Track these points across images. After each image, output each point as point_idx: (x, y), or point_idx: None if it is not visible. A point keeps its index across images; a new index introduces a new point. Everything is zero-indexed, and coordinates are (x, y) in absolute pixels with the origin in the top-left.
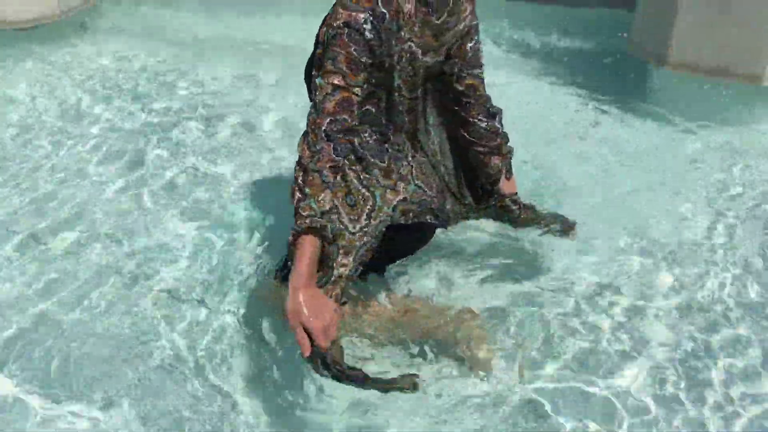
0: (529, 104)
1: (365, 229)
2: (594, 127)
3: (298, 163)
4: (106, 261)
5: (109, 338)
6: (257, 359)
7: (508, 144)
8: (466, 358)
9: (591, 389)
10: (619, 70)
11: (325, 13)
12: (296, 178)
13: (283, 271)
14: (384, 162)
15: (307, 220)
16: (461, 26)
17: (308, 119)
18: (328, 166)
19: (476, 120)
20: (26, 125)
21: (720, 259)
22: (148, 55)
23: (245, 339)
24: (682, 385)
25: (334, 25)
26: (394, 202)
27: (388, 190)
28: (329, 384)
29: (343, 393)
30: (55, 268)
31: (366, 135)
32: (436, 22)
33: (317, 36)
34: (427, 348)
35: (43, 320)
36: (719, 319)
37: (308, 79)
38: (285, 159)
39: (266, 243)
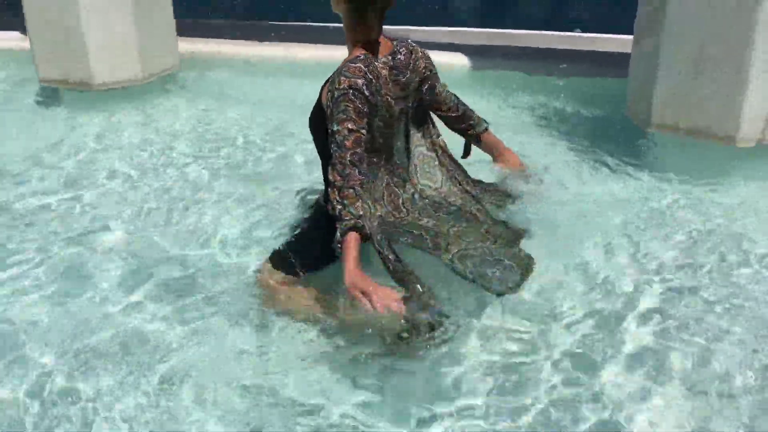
0: (532, 156)
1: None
2: (577, 177)
3: (332, 186)
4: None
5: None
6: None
7: (482, 123)
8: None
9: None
10: (615, 131)
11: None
12: (333, 197)
13: (275, 258)
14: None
15: (351, 222)
16: (417, 78)
17: (333, 155)
18: (357, 183)
19: (448, 115)
20: (112, 167)
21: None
22: (217, 112)
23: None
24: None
25: (340, 88)
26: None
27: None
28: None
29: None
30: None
31: None
32: (402, 80)
33: (320, 98)
34: None
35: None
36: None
37: (312, 128)
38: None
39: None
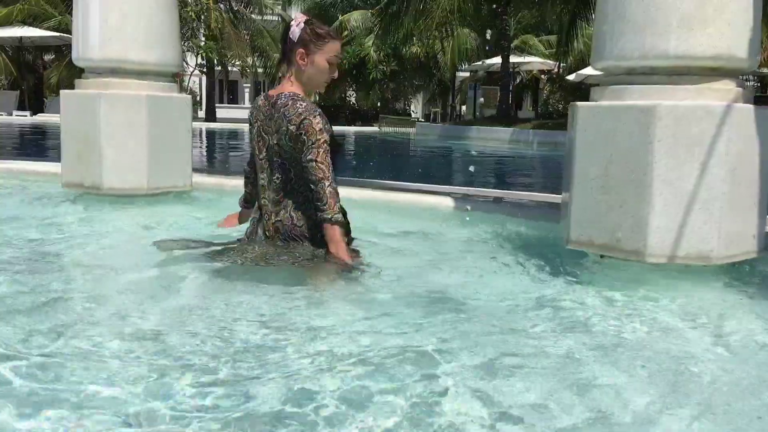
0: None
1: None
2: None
3: None
4: None
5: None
6: None
7: (327, 213)
8: None
9: None
10: (542, 249)
11: None
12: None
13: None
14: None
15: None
16: (287, 130)
17: None
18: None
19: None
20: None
21: None
22: (200, 219)
23: None
24: None
25: None
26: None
27: None
28: None
29: None
30: None
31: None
32: (274, 117)
33: None
34: None
35: None
36: None
37: None
38: None
39: None
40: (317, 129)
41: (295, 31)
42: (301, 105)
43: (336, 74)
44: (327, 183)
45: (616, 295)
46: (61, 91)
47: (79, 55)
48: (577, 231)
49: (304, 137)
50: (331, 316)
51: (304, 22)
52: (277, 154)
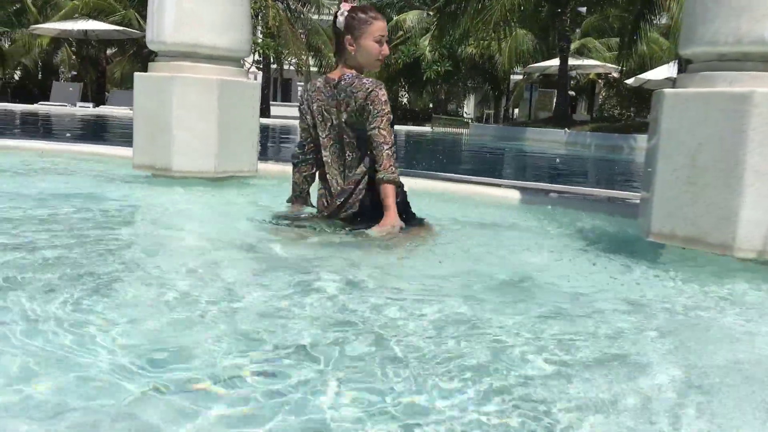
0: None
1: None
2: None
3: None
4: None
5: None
6: None
7: (382, 173)
8: None
9: None
10: (620, 241)
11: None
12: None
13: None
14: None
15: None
16: (355, 104)
17: None
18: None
19: (372, 151)
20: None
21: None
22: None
23: None
24: None
25: None
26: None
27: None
28: None
29: None
30: None
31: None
32: (339, 98)
33: None
34: None
35: None
36: None
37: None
38: None
39: None
40: (383, 100)
41: (341, 21)
42: (367, 81)
43: (386, 50)
44: (386, 147)
45: (701, 287)
46: (135, 74)
47: (153, 38)
48: (659, 222)
49: (370, 107)
50: (404, 285)
51: (348, 10)
52: (346, 133)
